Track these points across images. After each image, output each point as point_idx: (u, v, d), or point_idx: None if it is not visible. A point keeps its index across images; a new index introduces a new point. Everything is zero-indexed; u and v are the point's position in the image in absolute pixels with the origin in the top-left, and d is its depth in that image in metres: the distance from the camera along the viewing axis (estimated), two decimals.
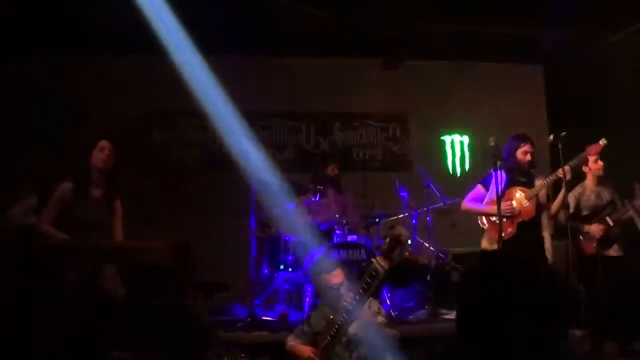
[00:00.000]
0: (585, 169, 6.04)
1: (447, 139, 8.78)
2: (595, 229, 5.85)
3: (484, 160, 5.52)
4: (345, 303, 4.00)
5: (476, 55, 8.33)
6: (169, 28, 6.34)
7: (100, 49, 7.24)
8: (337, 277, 4.26)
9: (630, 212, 5.74)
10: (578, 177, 6.02)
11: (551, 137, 5.19)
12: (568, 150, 5.13)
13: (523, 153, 5.27)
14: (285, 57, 8.27)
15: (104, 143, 4.59)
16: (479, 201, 5.41)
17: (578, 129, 5.34)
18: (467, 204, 5.49)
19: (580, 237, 5.88)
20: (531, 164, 5.30)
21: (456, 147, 8.83)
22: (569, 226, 5.17)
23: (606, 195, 6.04)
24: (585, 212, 6.04)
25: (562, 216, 5.59)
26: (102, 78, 7.61)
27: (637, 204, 5.69)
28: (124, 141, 7.65)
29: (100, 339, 4.23)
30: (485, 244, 5.39)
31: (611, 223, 5.82)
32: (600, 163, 6.03)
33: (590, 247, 5.76)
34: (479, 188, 5.45)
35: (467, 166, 8.75)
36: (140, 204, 6.08)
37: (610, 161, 5.99)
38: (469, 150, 8.79)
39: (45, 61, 7.36)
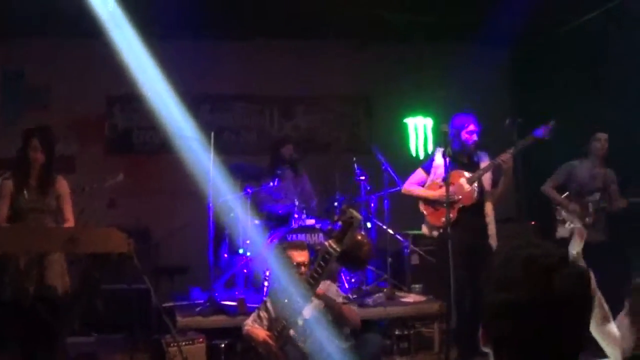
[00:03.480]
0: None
1: (410, 121, 8.75)
2: (576, 208, 5.83)
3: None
4: (301, 285, 4.05)
5: (442, 38, 8.30)
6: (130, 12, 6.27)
7: (60, 32, 7.12)
8: (302, 256, 4.34)
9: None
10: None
11: (507, 121, 5.13)
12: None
13: (468, 133, 5.09)
14: (249, 39, 8.17)
15: (34, 142, 4.58)
16: (420, 185, 5.35)
17: (543, 114, 5.26)
18: (407, 187, 5.45)
19: (559, 217, 5.85)
20: (476, 144, 5.15)
21: (419, 130, 8.82)
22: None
23: (600, 179, 5.93)
24: (574, 189, 5.95)
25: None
26: (63, 62, 7.49)
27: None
28: (85, 125, 7.71)
29: (48, 330, 4.25)
30: (424, 230, 5.34)
31: (590, 208, 5.76)
32: (601, 145, 5.90)
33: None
34: (420, 172, 5.41)
35: (429, 149, 8.75)
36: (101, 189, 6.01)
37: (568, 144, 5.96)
38: (433, 133, 8.78)
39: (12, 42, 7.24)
